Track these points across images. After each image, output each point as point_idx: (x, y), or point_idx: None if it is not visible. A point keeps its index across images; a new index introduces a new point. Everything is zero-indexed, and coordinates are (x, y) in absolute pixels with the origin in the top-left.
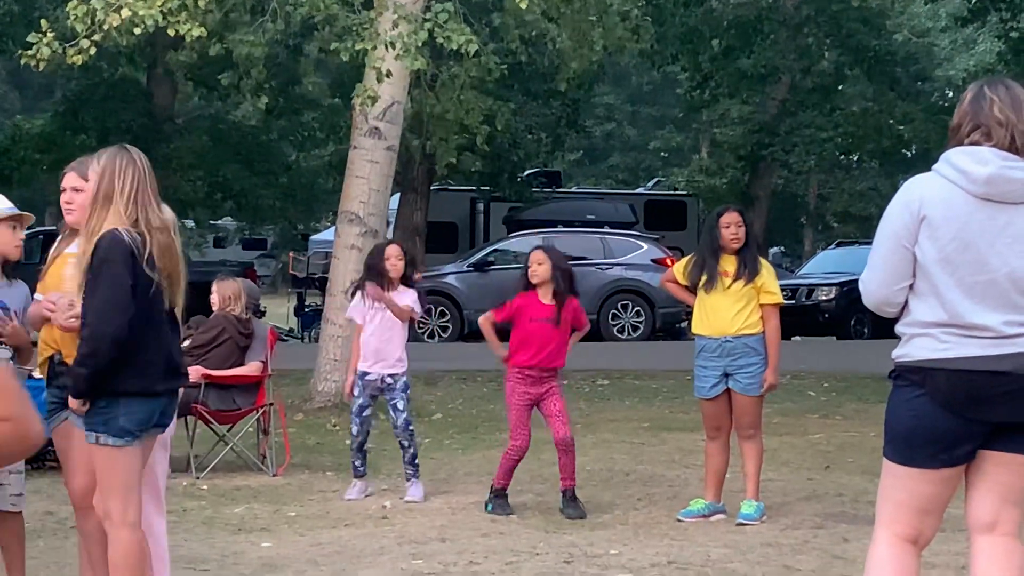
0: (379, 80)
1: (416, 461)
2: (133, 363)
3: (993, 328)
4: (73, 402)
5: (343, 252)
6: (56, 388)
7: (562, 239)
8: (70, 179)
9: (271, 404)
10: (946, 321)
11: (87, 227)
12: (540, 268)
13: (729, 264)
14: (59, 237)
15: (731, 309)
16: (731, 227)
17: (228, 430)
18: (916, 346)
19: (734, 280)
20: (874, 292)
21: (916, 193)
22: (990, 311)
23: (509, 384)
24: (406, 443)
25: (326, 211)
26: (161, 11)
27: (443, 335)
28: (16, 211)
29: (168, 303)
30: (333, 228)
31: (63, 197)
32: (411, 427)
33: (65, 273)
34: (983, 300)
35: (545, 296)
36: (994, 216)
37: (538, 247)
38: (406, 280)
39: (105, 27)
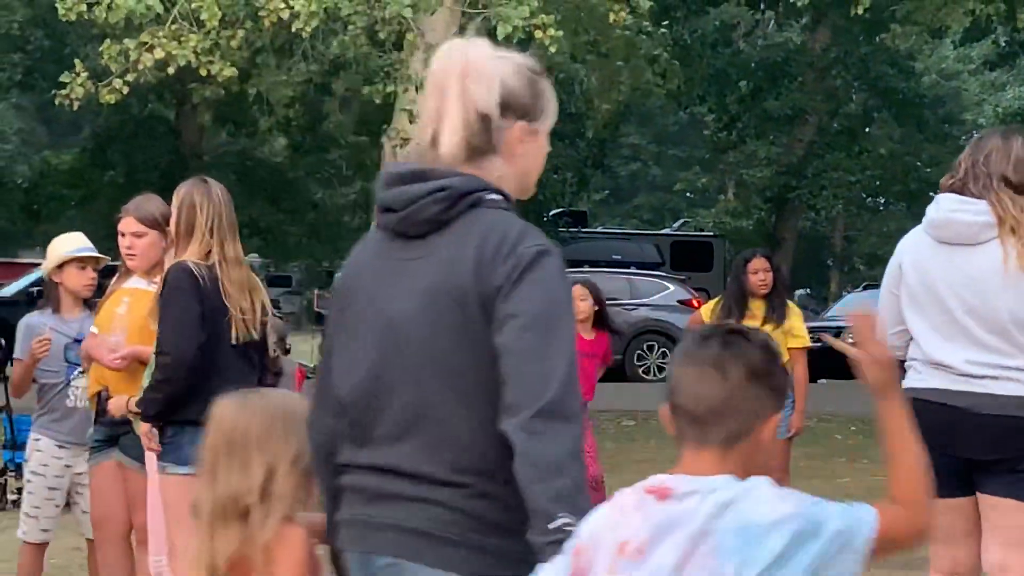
0: (411, 121)
1: None
2: (199, 392)
3: (955, 367)
4: (143, 428)
5: None
6: (102, 425)
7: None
8: (129, 224)
9: None
10: (921, 358)
11: (173, 260)
12: (583, 304)
13: (757, 308)
14: (117, 273)
15: None
16: (759, 273)
17: None
18: (906, 377)
19: (762, 325)
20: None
21: (902, 243)
22: (957, 349)
23: None
24: None
25: (352, 249)
26: (194, 51)
27: None
28: (85, 252)
29: (235, 336)
30: None
31: (122, 242)
32: None
33: (118, 311)
34: (951, 339)
35: (586, 332)
36: (951, 258)
37: (577, 282)
38: None
39: (139, 67)
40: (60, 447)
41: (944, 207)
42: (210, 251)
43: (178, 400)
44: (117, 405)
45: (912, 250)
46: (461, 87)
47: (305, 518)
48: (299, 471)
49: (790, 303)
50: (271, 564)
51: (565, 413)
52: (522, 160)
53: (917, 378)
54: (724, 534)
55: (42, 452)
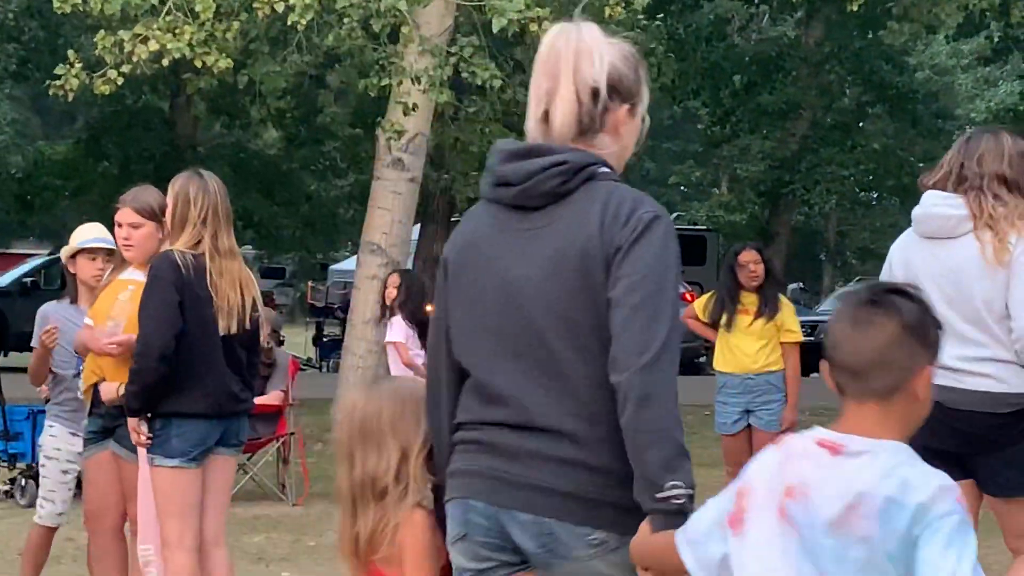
0: (405, 114)
1: None
2: (183, 384)
3: (944, 363)
4: (132, 422)
5: (365, 283)
6: (98, 416)
7: None
8: (127, 215)
9: (291, 433)
10: None
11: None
12: None
13: (750, 302)
14: (112, 265)
15: (753, 347)
16: (749, 265)
17: (248, 459)
18: None
19: (755, 318)
20: None
21: (894, 243)
22: (945, 346)
23: None
24: None
25: (345, 241)
26: (189, 43)
27: None
28: (92, 243)
29: (223, 327)
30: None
31: (119, 233)
32: None
33: (120, 297)
34: None
35: None
36: (933, 251)
37: None
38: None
39: (134, 59)
40: (73, 435)
41: (926, 203)
42: (199, 241)
43: (157, 390)
44: (107, 390)
45: (901, 247)
46: (574, 68)
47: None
48: (425, 454)
49: (782, 297)
50: (398, 545)
51: (664, 369)
52: (623, 139)
53: None
54: (883, 499)
55: (55, 438)
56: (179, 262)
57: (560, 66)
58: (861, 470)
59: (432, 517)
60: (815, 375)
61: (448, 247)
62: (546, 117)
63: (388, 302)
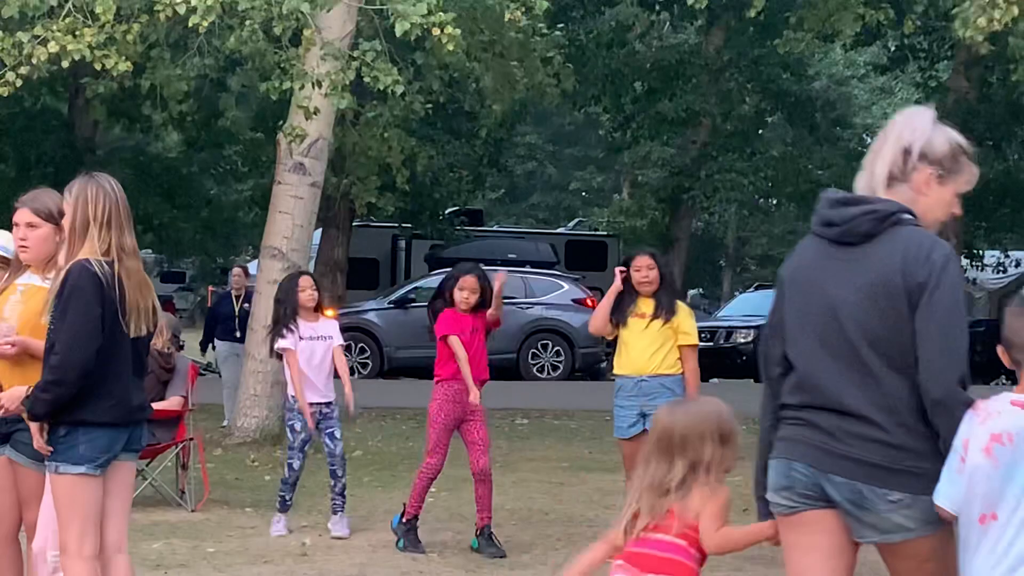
0: (307, 118)
1: (344, 493)
2: (95, 393)
3: None
4: (34, 427)
5: (265, 287)
6: None
7: None
8: (24, 215)
9: (191, 439)
10: None
11: (66, 258)
12: (473, 297)
13: (646, 306)
14: (10, 267)
15: (647, 349)
16: (642, 270)
17: (147, 464)
18: None
19: (651, 320)
20: None
21: None
22: None
23: (435, 403)
24: (340, 472)
25: (245, 245)
26: (88, 45)
27: (363, 372)
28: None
29: (133, 331)
30: (252, 262)
31: (16, 233)
32: (345, 457)
33: (11, 298)
34: None
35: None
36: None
37: (470, 272)
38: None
39: (33, 60)
40: None
41: None
42: (109, 246)
43: (67, 401)
44: (12, 398)
45: None
46: (898, 133)
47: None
48: (718, 468)
49: (679, 302)
50: (693, 513)
51: (963, 383)
52: (924, 200)
53: None
54: None
55: None
56: (98, 272)
57: (890, 131)
58: None
59: (728, 491)
60: (714, 380)
61: (784, 268)
62: (870, 170)
63: (311, 304)
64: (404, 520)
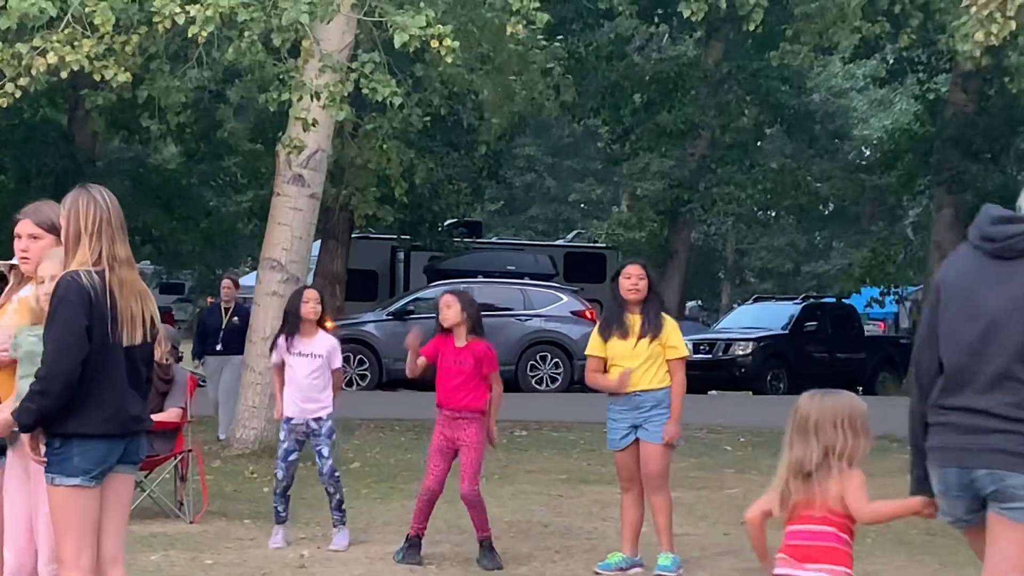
0: (305, 129)
1: (343, 507)
2: (87, 404)
3: None
4: (29, 441)
5: (264, 299)
6: None
7: (482, 289)
8: (25, 226)
9: (190, 450)
10: None
11: (63, 269)
12: (447, 312)
13: (634, 321)
14: (11, 281)
15: (639, 369)
16: (632, 278)
17: (146, 476)
18: None
19: (639, 339)
20: None
21: None
22: None
23: (436, 426)
24: (331, 489)
25: (244, 256)
26: (88, 56)
27: (361, 383)
28: None
29: (126, 340)
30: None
31: (18, 245)
32: (336, 474)
33: (9, 308)
34: None
35: (459, 339)
36: None
37: (447, 291)
38: (323, 326)
39: (33, 71)
40: None
41: None
42: (100, 255)
43: (54, 412)
44: (2, 423)
45: None
46: None
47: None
48: (850, 455)
49: (665, 315)
50: (834, 497)
51: None
52: None
53: None
54: None
55: None
56: (85, 284)
57: None
58: None
59: (861, 472)
60: (712, 393)
61: (941, 276)
62: None
63: (311, 316)
64: (407, 536)
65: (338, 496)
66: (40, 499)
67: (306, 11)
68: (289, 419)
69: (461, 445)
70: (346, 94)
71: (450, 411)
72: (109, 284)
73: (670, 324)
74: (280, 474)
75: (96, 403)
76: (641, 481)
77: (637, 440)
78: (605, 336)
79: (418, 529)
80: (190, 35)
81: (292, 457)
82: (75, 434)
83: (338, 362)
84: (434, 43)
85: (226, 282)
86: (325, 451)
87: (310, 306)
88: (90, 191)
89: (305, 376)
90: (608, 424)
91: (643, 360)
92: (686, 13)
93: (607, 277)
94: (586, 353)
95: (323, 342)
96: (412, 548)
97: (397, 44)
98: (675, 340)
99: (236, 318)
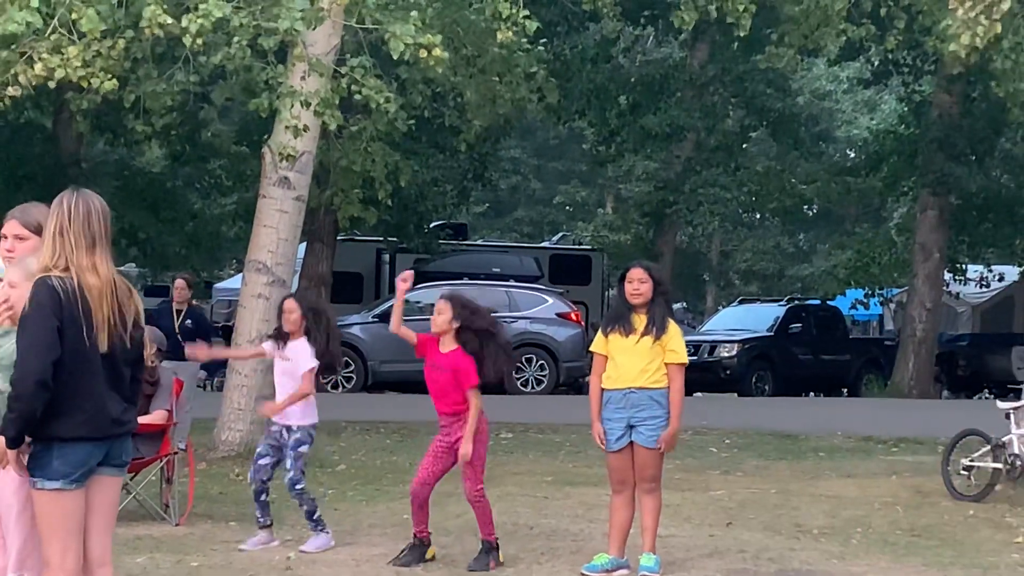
0: (296, 135)
1: (315, 516)
2: (62, 408)
3: None
4: (11, 455)
5: (250, 301)
6: None
7: (467, 291)
8: (12, 227)
9: (175, 453)
10: None
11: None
12: (438, 318)
13: (639, 321)
14: None
15: (637, 365)
16: (633, 283)
17: (131, 478)
18: None
19: (641, 336)
20: None
21: None
22: None
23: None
24: (296, 502)
25: (230, 259)
26: (75, 65)
27: (347, 386)
28: None
29: (104, 346)
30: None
31: (3, 245)
32: (298, 487)
33: None
34: None
35: (445, 344)
36: None
37: (443, 295)
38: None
39: (21, 80)
40: None
41: None
42: (65, 260)
43: (35, 416)
44: None
45: None
46: None
47: None
48: None
49: (671, 320)
50: None
51: None
52: None
53: None
54: None
55: None
56: (57, 287)
57: None
58: None
59: None
60: (698, 395)
61: None
62: None
63: (289, 327)
64: (413, 535)
65: (306, 507)
66: (7, 503)
67: (300, 18)
68: (270, 422)
69: (461, 445)
70: (337, 100)
71: (442, 416)
72: (80, 289)
73: (673, 329)
74: (249, 476)
75: (75, 407)
76: (632, 483)
77: (631, 442)
78: (607, 332)
79: (417, 531)
80: (187, 45)
81: (262, 461)
82: (54, 437)
83: (309, 362)
84: (423, 53)
85: (179, 282)
86: (288, 463)
87: (289, 318)
88: (62, 196)
89: (278, 378)
90: (604, 424)
91: (641, 357)
92: (677, 23)
93: (592, 279)
94: (590, 350)
95: (298, 345)
96: (412, 550)
97: (394, 54)
98: (676, 345)
99: (189, 321)
